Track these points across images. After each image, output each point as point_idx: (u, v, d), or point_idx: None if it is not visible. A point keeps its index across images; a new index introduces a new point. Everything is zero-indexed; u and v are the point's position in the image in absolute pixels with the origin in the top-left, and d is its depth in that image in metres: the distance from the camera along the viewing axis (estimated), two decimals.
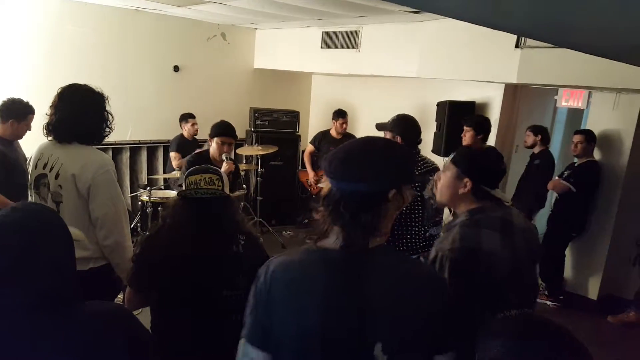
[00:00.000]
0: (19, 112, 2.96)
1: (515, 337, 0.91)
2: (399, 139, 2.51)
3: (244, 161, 5.60)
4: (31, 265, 0.94)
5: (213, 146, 3.02)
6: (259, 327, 1.06)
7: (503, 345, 0.89)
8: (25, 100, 3.02)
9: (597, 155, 3.99)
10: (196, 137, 4.81)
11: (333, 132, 4.98)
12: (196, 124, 4.74)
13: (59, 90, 1.97)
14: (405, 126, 2.51)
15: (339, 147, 1.13)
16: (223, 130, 3.03)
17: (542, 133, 4.22)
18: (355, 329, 1.00)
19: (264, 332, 1.05)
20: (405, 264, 1.17)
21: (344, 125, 4.94)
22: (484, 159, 1.65)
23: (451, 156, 1.67)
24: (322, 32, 4.97)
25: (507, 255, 1.47)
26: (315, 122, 6.16)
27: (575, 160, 4.05)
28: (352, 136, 5.00)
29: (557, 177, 4.08)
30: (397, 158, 1.11)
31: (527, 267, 1.57)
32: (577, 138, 3.94)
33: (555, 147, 5.39)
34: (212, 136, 3.04)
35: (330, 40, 4.93)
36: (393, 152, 1.13)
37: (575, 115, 5.18)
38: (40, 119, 2.10)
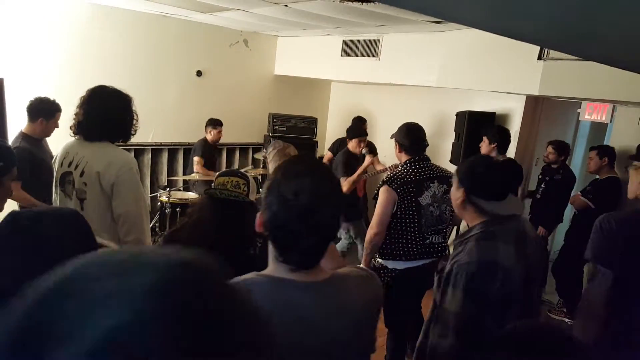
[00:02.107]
0: (48, 110, 3.03)
1: (521, 351, 0.90)
2: (398, 146, 2.57)
3: (261, 165, 5.66)
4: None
5: (352, 144, 4.07)
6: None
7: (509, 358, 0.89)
8: (51, 99, 3.09)
9: (620, 171, 3.90)
10: (217, 142, 4.86)
11: None
12: (221, 130, 4.78)
13: (89, 90, 2.02)
14: (402, 134, 2.55)
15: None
16: (359, 132, 4.16)
17: (566, 153, 4.14)
18: None
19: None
20: None
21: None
22: (477, 169, 1.54)
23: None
24: (343, 40, 5.01)
25: (521, 268, 1.45)
26: (333, 129, 6.18)
27: (597, 176, 3.97)
28: (369, 143, 5.01)
29: (578, 193, 4.01)
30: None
31: (537, 279, 1.56)
32: (590, 154, 3.87)
33: (576, 162, 5.28)
34: (350, 138, 4.10)
35: (350, 49, 4.96)
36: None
37: (599, 129, 5.08)
38: (66, 119, 2.15)
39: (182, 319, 0.33)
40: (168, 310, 0.32)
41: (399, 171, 2.50)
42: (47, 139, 3.20)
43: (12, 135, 3.15)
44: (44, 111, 3.02)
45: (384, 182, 2.47)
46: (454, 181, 1.59)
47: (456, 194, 1.57)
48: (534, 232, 1.59)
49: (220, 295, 0.37)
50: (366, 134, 4.23)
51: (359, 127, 4.34)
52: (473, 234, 1.51)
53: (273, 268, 0.98)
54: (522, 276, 1.44)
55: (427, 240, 2.49)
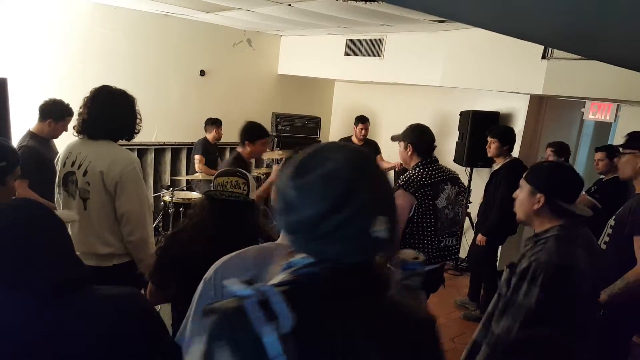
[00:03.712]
0: (58, 113, 3.04)
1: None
2: (410, 148, 2.48)
3: (265, 165, 5.66)
4: (30, 255, 0.95)
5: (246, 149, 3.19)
6: None
7: None
8: (65, 102, 3.09)
9: None
10: (218, 141, 4.88)
11: (354, 139, 4.99)
12: (221, 129, 4.80)
13: (93, 90, 2.03)
14: (415, 135, 2.49)
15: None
16: (261, 133, 3.23)
17: (566, 154, 4.11)
18: None
19: None
20: None
21: (363, 131, 4.94)
22: (557, 174, 1.65)
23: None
24: (346, 39, 5.01)
25: (590, 275, 1.53)
26: (336, 128, 6.18)
27: (602, 176, 3.94)
28: (372, 142, 5.01)
29: (583, 193, 3.97)
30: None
31: (599, 286, 1.69)
32: (598, 155, 3.79)
33: (581, 161, 5.26)
34: (250, 141, 3.18)
35: (354, 48, 4.96)
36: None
37: (603, 128, 5.06)
38: (74, 121, 2.16)
39: None
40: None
41: (413, 174, 2.42)
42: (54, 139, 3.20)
43: (15, 134, 3.17)
44: (54, 113, 3.03)
45: (398, 186, 2.39)
46: (524, 188, 1.64)
47: (531, 199, 1.61)
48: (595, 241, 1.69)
49: None
50: (267, 135, 3.31)
51: (254, 128, 3.24)
52: (551, 234, 1.58)
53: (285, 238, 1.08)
54: (591, 282, 1.54)
55: (442, 244, 2.45)
